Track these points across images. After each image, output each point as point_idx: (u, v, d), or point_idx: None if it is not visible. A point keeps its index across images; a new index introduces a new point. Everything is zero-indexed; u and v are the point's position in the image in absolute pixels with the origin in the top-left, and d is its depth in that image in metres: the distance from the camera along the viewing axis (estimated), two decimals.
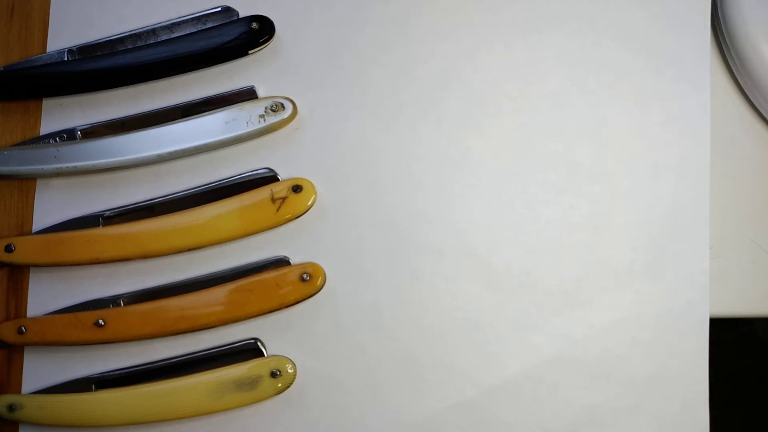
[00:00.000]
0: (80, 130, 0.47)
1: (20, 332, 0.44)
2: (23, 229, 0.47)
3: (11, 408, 0.44)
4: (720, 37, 0.48)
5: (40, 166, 0.45)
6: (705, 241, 0.45)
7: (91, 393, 0.44)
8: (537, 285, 0.45)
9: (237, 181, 0.46)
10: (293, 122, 0.46)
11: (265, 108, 0.45)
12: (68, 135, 0.46)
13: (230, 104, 0.46)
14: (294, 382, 0.44)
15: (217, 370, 0.44)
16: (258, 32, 0.46)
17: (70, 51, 0.47)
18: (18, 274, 0.46)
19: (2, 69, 0.47)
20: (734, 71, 0.48)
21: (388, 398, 0.45)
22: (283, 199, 0.45)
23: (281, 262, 0.45)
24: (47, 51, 0.47)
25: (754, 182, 0.47)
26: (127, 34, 0.47)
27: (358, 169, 0.46)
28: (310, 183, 0.45)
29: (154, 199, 0.46)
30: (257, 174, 0.46)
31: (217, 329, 0.45)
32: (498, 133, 0.46)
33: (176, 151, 0.45)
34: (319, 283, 0.45)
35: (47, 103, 0.47)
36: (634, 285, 0.45)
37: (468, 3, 0.47)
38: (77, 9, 0.48)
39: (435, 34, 0.47)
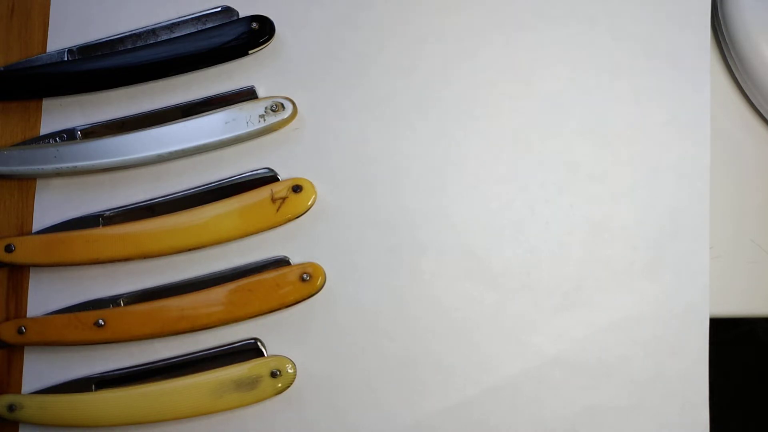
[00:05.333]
0: (80, 130, 0.47)
1: (20, 332, 0.44)
2: (23, 229, 0.46)
3: (11, 408, 0.44)
4: (720, 37, 0.48)
5: (40, 166, 0.45)
6: (705, 241, 0.45)
7: (91, 393, 0.44)
8: (537, 285, 0.45)
9: (237, 181, 0.46)
10: (293, 122, 0.46)
11: (265, 108, 0.45)
12: (68, 135, 0.46)
13: (230, 104, 0.46)
14: (294, 382, 0.44)
15: (217, 370, 0.44)
16: (258, 32, 0.46)
17: (70, 51, 0.47)
18: (18, 274, 0.46)
19: (2, 69, 0.47)
20: (734, 71, 0.47)
21: (388, 398, 0.45)
22: (283, 199, 0.45)
23: (281, 262, 0.45)
24: (47, 51, 0.47)
25: (754, 182, 0.47)
26: (127, 34, 0.47)
27: (358, 169, 0.46)
28: (310, 183, 0.45)
29: (154, 199, 0.46)
30: (257, 174, 0.46)
31: (217, 329, 0.45)
32: (498, 133, 0.46)
33: (176, 151, 0.45)
34: (319, 283, 0.45)
35: (47, 103, 0.47)
36: (634, 285, 0.45)
37: (468, 3, 0.47)
38: (77, 9, 0.48)
39: (435, 34, 0.47)
